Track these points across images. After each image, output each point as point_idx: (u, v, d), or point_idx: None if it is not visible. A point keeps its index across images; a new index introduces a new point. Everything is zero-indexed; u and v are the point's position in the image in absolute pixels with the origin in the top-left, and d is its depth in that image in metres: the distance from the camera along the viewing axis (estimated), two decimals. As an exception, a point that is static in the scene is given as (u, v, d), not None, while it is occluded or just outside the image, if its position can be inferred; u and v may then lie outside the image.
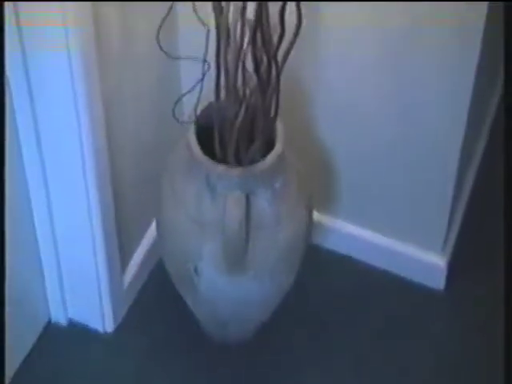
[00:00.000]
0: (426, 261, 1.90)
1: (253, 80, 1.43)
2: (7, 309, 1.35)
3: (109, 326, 1.83)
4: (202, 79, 1.48)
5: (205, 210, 1.51)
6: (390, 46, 1.59)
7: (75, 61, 1.38)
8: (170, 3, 1.48)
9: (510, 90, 1.26)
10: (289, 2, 1.36)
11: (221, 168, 1.48)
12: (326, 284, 1.96)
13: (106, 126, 1.54)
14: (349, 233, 1.95)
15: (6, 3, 1.27)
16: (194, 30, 1.49)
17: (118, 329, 1.85)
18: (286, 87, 1.49)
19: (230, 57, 1.40)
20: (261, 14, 1.33)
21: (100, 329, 1.84)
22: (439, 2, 1.48)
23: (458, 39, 1.53)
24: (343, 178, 1.86)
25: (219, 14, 1.38)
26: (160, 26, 1.46)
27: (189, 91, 1.53)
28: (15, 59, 1.39)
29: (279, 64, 1.43)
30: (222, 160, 1.51)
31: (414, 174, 1.77)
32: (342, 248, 1.98)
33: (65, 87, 1.42)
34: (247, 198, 1.48)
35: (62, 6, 1.30)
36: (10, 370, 1.70)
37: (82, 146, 1.50)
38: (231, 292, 1.62)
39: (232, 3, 1.36)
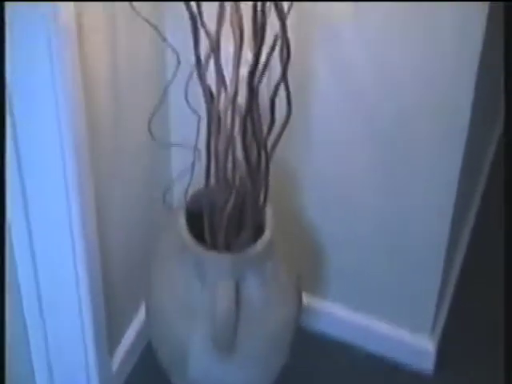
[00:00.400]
0: (415, 343, 1.90)
1: (242, 167, 1.46)
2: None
3: (97, 410, 1.82)
4: (193, 166, 1.50)
5: (194, 296, 1.51)
6: (379, 134, 1.62)
7: (67, 146, 1.40)
8: (162, 91, 1.52)
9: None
10: (280, 93, 1.40)
11: (210, 255, 1.49)
12: (314, 366, 1.95)
13: (97, 210, 1.55)
14: (337, 315, 1.95)
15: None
16: (186, 118, 1.52)
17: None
18: (275, 173, 1.51)
19: (221, 144, 1.42)
20: (251, 104, 1.36)
21: (88, 414, 1.82)
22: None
23: (444, 128, 1.57)
24: (332, 260, 1.87)
25: (210, 102, 1.41)
26: (152, 115, 1.49)
27: (178, 179, 1.54)
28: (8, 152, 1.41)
29: (269, 152, 1.45)
30: (212, 245, 1.52)
31: (402, 258, 1.78)
32: (330, 330, 1.97)
33: (56, 173, 1.44)
34: (237, 283, 1.49)
35: (55, 96, 1.33)
36: None
37: (72, 230, 1.51)
38: (221, 376, 1.61)
39: (223, 93, 1.39)
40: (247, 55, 1.36)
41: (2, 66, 1.22)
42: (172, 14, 1.52)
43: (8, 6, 1.18)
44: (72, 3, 1.25)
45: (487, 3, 1.40)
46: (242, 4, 1.33)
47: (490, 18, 1.42)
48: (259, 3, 1.28)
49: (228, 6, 1.33)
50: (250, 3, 1.29)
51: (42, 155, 1.43)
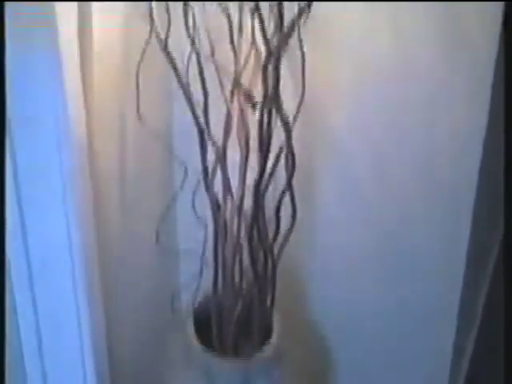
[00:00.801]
0: None
1: (250, 273, 1.47)
2: None
3: None
4: (201, 273, 1.52)
5: (203, 402, 1.52)
6: (383, 237, 1.64)
7: (76, 250, 1.41)
8: (169, 199, 1.54)
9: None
10: (284, 199, 1.43)
11: (219, 361, 1.49)
12: None
13: (105, 313, 1.55)
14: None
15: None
16: (193, 224, 1.54)
17: None
18: (281, 276, 1.52)
19: (227, 251, 1.45)
20: (257, 213, 1.39)
21: None
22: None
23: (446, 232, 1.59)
24: (340, 364, 1.86)
25: (217, 210, 1.44)
26: (159, 222, 1.51)
27: (186, 285, 1.56)
28: (17, 243, 1.43)
29: (275, 258, 1.47)
30: (220, 350, 1.53)
31: (410, 365, 1.78)
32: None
33: (65, 276, 1.45)
34: (245, 388, 1.49)
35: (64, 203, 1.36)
36: None
37: (82, 338, 1.52)
38: None
39: (229, 203, 1.42)
40: (253, 163, 1.40)
41: (2, 67, 1.22)
42: (180, 124, 1.56)
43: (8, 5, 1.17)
44: (84, 124, 1.29)
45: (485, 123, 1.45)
46: (249, 116, 1.38)
47: (491, 125, 1.46)
48: (265, 116, 1.32)
49: (235, 118, 1.38)
50: (256, 116, 1.33)
51: (51, 256, 1.44)
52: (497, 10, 1.36)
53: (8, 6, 1.16)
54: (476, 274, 1.84)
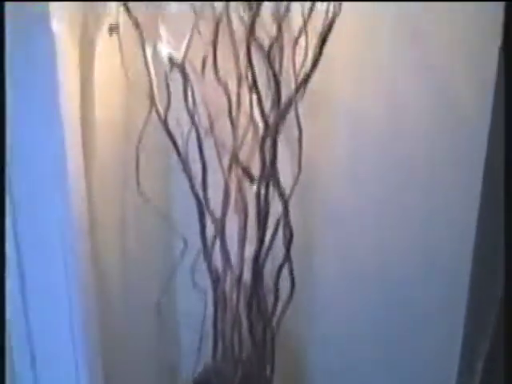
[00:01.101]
0: None
1: (249, 343, 1.48)
2: None
3: None
4: (201, 342, 1.53)
5: None
6: (381, 304, 1.65)
7: (78, 330, 1.43)
8: (169, 270, 1.56)
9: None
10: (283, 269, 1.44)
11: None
12: None
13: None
14: None
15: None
16: (192, 295, 1.55)
17: None
18: (280, 344, 1.53)
19: (227, 322, 1.45)
20: (256, 285, 1.40)
21: None
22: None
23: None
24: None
25: (216, 282, 1.45)
26: (160, 293, 1.53)
27: (187, 354, 1.56)
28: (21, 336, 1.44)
29: (274, 328, 1.48)
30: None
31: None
32: None
33: (66, 352, 1.46)
34: None
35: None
36: None
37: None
38: None
39: (229, 274, 1.43)
40: (251, 234, 1.41)
41: (2, 66, 1.23)
42: (179, 197, 1.58)
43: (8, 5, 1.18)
44: (85, 197, 1.31)
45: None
46: (247, 189, 1.40)
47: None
48: (263, 189, 1.35)
49: (233, 191, 1.40)
50: (254, 189, 1.35)
51: (54, 346, 1.46)
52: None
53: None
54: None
